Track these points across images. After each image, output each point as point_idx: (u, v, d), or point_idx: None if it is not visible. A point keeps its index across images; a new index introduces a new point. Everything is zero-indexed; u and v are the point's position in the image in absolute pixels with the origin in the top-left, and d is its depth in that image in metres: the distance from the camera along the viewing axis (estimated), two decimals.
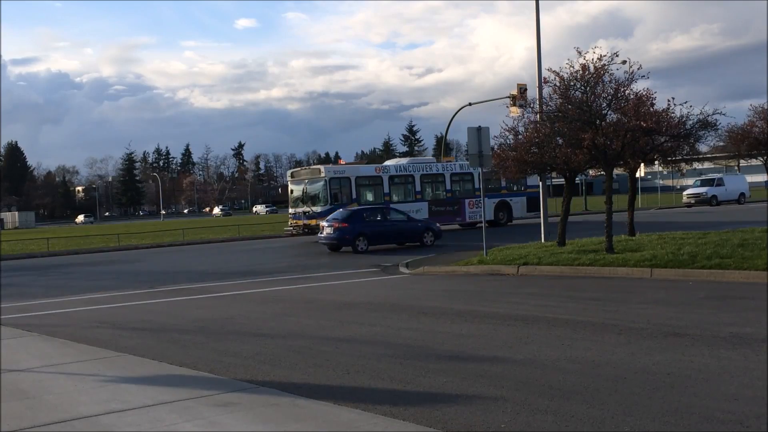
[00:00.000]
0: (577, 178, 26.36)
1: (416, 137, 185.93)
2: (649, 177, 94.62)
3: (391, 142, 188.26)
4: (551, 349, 9.81)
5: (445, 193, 41.65)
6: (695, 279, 15.84)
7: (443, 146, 64.06)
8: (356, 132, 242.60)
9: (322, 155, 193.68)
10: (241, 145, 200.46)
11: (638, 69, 19.62)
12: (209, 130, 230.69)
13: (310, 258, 28.41)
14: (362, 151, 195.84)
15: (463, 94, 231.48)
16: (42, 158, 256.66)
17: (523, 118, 23.88)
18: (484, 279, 18.79)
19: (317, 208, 36.52)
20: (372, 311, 14.23)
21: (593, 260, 18.78)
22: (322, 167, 37.74)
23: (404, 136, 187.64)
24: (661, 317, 11.83)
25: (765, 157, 25.41)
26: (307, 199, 38.06)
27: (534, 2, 26.60)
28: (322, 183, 37.26)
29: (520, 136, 22.83)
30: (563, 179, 23.92)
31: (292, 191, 38.83)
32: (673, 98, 20.24)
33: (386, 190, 39.39)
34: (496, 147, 23.44)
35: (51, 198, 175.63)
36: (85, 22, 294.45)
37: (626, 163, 23.06)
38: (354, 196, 38.00)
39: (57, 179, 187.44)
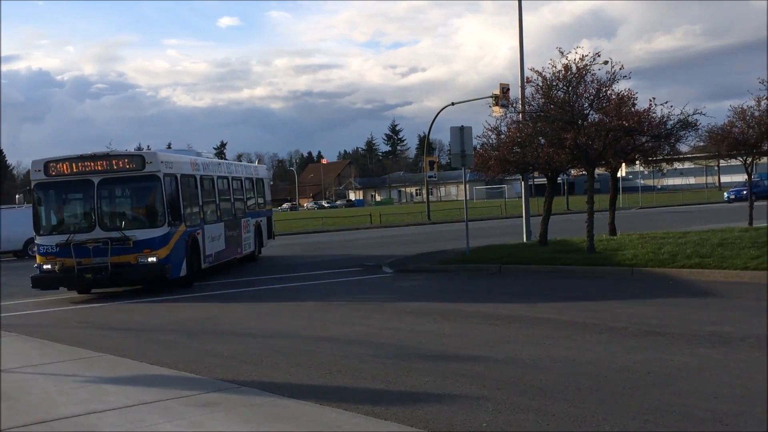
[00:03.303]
0: (559, 178, 26.47)
1: (399, 137, 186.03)
2: (630, 177, 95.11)
3: (374, 142, 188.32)
4: (532, 348, 9.84)
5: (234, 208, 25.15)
6: (675, 278, 15.93)
7: (426, 146, 64.10)
8: (339, 131, 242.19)
9: (305, 155, 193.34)
10: (223, 145, 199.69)
11: (620, 69, 19.73)
12: (191, 129, 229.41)
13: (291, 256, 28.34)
14: (345, 151, 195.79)
15: (446, 93, 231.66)
16: (23, 157, 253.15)
17: (506, 117, 24.00)
18: (466, 278, 18.82)
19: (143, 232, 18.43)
20: (354, 311, 14.21)
21: (575, 259, 18.87)
22: (144, 153, 19.74)
23: (387, 135, 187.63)
24: (641, 316, 11.89)
25: (744, 158, 25.59)
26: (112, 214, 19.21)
27: (517, 2, 26.67)
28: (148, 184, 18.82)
29: (502, 136, 22.91)
30: (545, 179, 24.02)
31: (40, 199, 19.01)
32: (654, 98, 20.38)
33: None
34: (478, 147, 23.50)
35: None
36: (67, 20, 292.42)
37: (608, 162, 23.20)
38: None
39: None
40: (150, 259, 18.03)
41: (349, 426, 6.85)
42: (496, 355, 9.55)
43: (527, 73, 21.75)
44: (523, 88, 24.69)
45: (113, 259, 17.86)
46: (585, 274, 17.57)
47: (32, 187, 18.86)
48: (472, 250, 22.28)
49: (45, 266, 18.22)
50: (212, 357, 10.39)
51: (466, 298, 15.69)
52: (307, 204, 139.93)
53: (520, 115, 22.68)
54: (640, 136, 21.13)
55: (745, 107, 23.73)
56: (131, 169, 18.48)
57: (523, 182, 27.37)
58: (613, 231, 24.48)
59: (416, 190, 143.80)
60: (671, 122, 20.93)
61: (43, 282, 18.47)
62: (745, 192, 59.12)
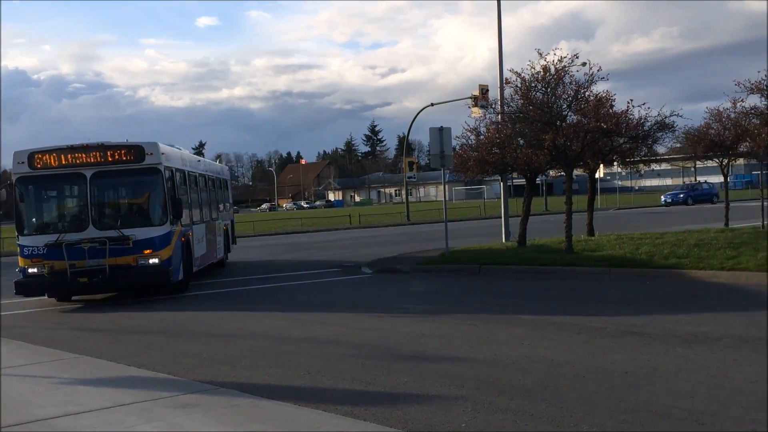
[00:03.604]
0: (537, 179, 26.59)
1: (378, 137, 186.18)
2: (608, 178, 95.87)
3: (353, 142, 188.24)
4: (511, 348, 9.87)
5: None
6: (653, 278, 16.05)
7: (405, 146, 64.16)
8: (319, 132, 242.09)
9: (284, 155, 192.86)
10: (202, 145, 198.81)
11: (598, 71, 19.87)
12: (170, 129, 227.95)
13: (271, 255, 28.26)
14: (324, 151, 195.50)
15: (426, 94, 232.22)
16: None
17: (485, 118, 24.09)
18: (446, 278, 18.85)
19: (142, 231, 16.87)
20: (334, 312, 14.19)
21: (553, 260, 18.95)
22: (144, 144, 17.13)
23: (366, 136, 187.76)
24: (619, 316, 11.97)
25: (720, 159, 25.83)
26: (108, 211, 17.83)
27: (496, 3, 26.76)
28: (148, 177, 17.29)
29: (481, 137, 22.99)
30: (524, 180, 24.12)
31: (24, 195, 17.24)
32: (632, 100, 20.54)
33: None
34: (457, 147, 23.55)
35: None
36: (43, 19, 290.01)
37: (586, 163, 23.36)
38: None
39: None
40: (151, 261, 16.48)
41: (328, 427, 6.84)
42: (475, 355, 9.57)
43: (506, 74, 21.88)
44: (501, 89, 24.81)
45: (111, 260, 16.23)
46: (563, 274, 17.65)
47: (14, 181, 16.96)
48: (451, 251, 22.32)
49: (30, 270, 16.46)
50: (191, 358, 10.34)
51: (446, 298, 15.72)
52: (286, 204, 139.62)
53: (499, 116, 22.78)
54: (618, 137, 21.29)
55: (721, 109, 23.98)
56: (129, 161, 16.80)
57: (502, 183, 27.46)
58: (591, 232, 24.63)
59: (395, 190, 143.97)
60: (648, 124, 21.14)
61: (28, 287, 16.73)
62: (682, 195, 59.13)
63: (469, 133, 23.33)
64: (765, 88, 16.11)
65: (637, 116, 20.81)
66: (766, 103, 16.75)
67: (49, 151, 16.80)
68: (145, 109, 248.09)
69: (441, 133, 21.82)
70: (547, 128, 19.40)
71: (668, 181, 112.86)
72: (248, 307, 15.61)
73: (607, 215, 47.09)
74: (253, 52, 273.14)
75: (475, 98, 35.25)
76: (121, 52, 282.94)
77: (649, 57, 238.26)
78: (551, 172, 27.03)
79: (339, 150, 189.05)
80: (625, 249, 19.32)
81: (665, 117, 21.09)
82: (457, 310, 13.54)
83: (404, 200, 63.51)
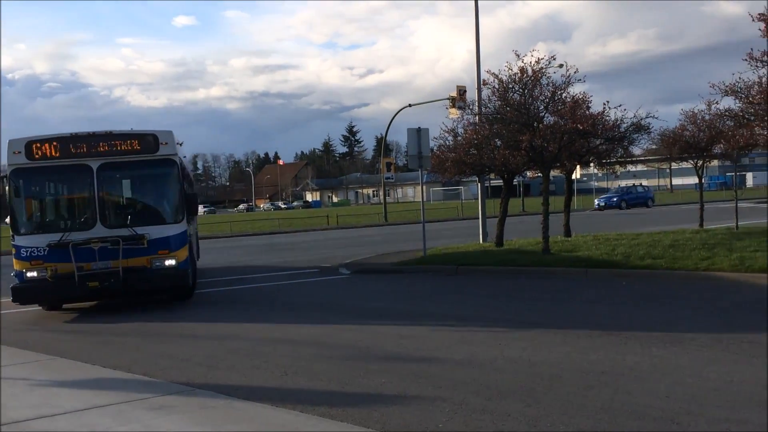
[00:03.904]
0: (514, 180, 26.68)
1: (356, 138, 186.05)
2: (585, 179, 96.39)
3: (331, 143, 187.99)
4: (488, 349, 9.89)
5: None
6: (629, 279, 16.16)
7: (383, 147, 64.20)
8: (296, 132, 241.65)
9: (262, 155, 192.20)
10: (179, 144, 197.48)
11: (575, 72, 19.97)
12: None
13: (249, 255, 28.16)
14: (302, 152, 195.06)
15: (403, 95, 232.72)
16: None
17: (463, 119, 24.13)
18: (423, 279, 18.87)
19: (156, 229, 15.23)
20: (311, 313, 14.16)
21: (530, 260, 19.04)
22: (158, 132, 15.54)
23: (344, 136, 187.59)
24: (595, 316, 12.04)
25: (695, 161, 26.06)
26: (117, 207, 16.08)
27: (474, 5, 26.83)
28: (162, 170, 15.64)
29: (459, 138, 23.04)
30: (501, 180, 24.21)
31: (20, 189, 15.28)
32: (608, 102, 20.71)
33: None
34: (435, 148, 23.59)
35: None
36: (18, 18, 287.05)
37: (563, 164, 23.49)
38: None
39: None
40: (167, 263, 14.93)
41: (305, 428, 6.82)
42: (452, 356, 9.58)
43: (484, 75, 21.90)
44: (479, 90, 24.88)
45: (123, 262, 14.61)
46: (540, 275, 17.73)
47: (8, 173, 14.90)
48: (429, 252, 22.35)
49: (29, 274, 14.57)
50: (167, 359, 10.27)
51: (422, 298, 15.73)
52: (263, 205, 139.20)
53: (477, 117, 22.82)
54: (595, 138, 21.44)
55: (696, 111, 24.21)
56: (141, 152, 15.11)
57: (479, 184, 27.53)
58: (568, 232, 24.76)
59: (373, 191, 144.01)
60: (624, 125, 21.34)
61: (27, 294, 14.84)
62: (615, 199, 57.83)
63: (446, 134, 23.41)
64: (739, 90, 16.26)
65: (613, 118, 20.99)
66: (740, 105, 16.92)
67: (49, 140, 14.98)
68: (122, 109, 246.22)
69: (419, 134, 21.84)
70: (524, 129, 19.48)
71: (644, 182, 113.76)
72: (226, 309, 15.53)
73: (584, 216, 47.36)
74: (230, 52, 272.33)
75: (452, 99, 35.39)
76: (96, 52, 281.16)
77: (625, 59, 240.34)
78: (528, 173, 27.12)
79: (317, 151, 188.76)
80: (601, 250, 19.44)
81: (641, 119, 21.33)
82: (434, 311, 13.56)
83: (382, 201, 63.52)
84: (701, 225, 25.92)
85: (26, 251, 14.68)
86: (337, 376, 8.76)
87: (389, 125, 58.79)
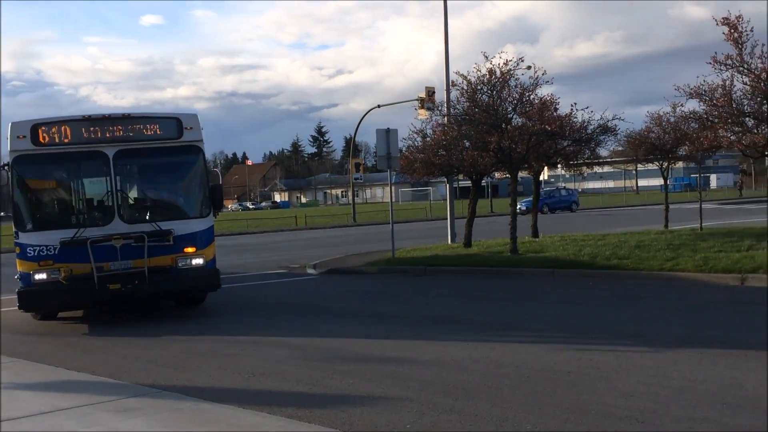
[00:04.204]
0: (483, 181, 26.81)
1: (325, 138, 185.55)
2: (552, 180, 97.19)
3: (299, 143, 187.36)
4: (456, 349, 9.92)
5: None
6: (595, 279, 16.30)
7: (352, 148, 64.18)
8: (265, 132, 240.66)
9: (230, 156, 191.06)
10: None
11: (543, 74, 20.10)
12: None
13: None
14: (270, 152, 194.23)
15: (373, 96, 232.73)
16: None
17: (431, 120, 24.18)
18: (392, 279, 18.88)
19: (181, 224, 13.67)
20: (279, 313, 14.11)
21: (498, 261, 19.13)
22: (182, 116, 14.06)
23: (313, 137, 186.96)
24: (562, 317, 12.14)
25: (660, 162, 26.36)
26: (138, 200, 14.58)
27: (443, 6, 26.91)
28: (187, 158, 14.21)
29: (428, 139, 23.10)
30: (470, 181, 24.30)
31: (24, 179, 13.37)
32: (576, 104, 20.89)
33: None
34: (404, 149, 23.61)
35: None
36: None
37: (530, 166, 23.64)
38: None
39: None
40: (194, 262, 13.46)
41: (273, 429, 6.79)
42: (419, 356, 9.60)
43: (452, 76, 21.97)
44: (448, 91, 24.95)
45: (150, 261, 13.02)
46: (508, 275, 17.82)
47: (11, 161, 12.96)
48: (397, 252, 22.36)
49: (38, 276, 12.67)
50: (132, 361, 10.17)
51: (391, 299, 15.74)
52: (231, 205, 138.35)
53: (446, 118, 22.89)
54: (562, 140, 21.63)
55: (661, 113, 24.48)
56: (162, 138, 13.59)
57: (447, 185, 27.62)
58: (535, 233, 24.92)
59: (342, 192, 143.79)
60: (591, 127, 21.56)
61: (37, 299, 12.96)
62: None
63: (415, 135, 23.45)
64: (703, 93, 16.47)
65: (580, 119, 21.22)
66: (704, 108, 17.14)
67: (58, 123, 13.15)
68: (88, 108, 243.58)
69: (387, 135, 21.84)
70: (492, 130, 19.57)
71: (610, 184, 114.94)
72: (191, 310, 15.41)
73: (552, 217, 47.69)
74: (198, 52, 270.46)
75: (421, 100, 35.45)
76: (62, 50, 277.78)
77: (592, 61, 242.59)
78: (496, 174, 27.30)
79: (285, 151, 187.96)
80: (568, 250, 19.59)
81: (608, 120, 21.57)
82: (403, 312, 13.57)
83: (351, 201, 63.46)
84: (666, 226, 26.22)
85: (34, 250, 12.76)
86: (304, 377, 8.73)
87: (358, 126, 58.83)
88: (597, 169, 37.17)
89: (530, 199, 59.06)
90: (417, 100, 35.97)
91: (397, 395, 7.74)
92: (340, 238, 37.05)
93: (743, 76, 15.91)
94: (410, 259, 21.05)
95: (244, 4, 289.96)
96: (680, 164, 41.24)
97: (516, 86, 20.21)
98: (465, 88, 20.53)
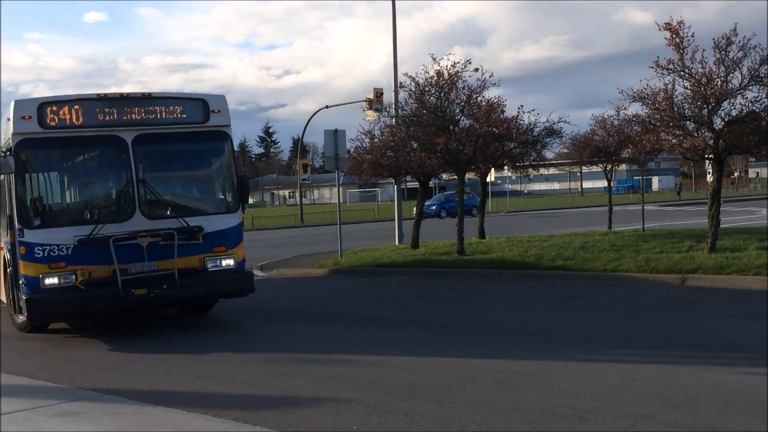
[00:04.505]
0: (430, 182, 26.92)
1: (273, 139, 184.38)
2: (499, 182, 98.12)
3: (247, 144, 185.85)
4: (403, 349, 9.94)
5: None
6: (541, 279, 16.49)
7: (299, 148, 63.90)
8: None
9: None
10: None
11: (490, 77, 20.26)
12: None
13: None
14: None
15: (321, 96, 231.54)
16: None
17: (380, 122, 24.21)
18: (339, 281, 18.85)
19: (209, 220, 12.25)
20: (224, 316, 13.97)
21: (445, 262, 19.23)
22: (207, 97, 12.68)
23: (260, 137, 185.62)
24: (509, 317, 12.25)
25: (605, 165, 26.77)
26: (161, 192, 12.31)
27: (391, 7, 26.96)
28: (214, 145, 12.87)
29: (376, 140, 23.10)
30: (417, 183, 24.38)
31: (29, 166, 11.56)
32: (522, 106, 21.12)
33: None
34: (352, 150, 23.59)
35: None
36: None
37: (478, 167, 23.82)
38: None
39: None
40: (225, 263, 12.07)
41: (218, 431, 6.73)
42: (367, 357, 9.59)
43: (401, 78, 22.03)
44: (396, 92, 24.98)
45: (181, 262, 11.55)
46: (455, 276, 17.92)
47: (13, 145, 11.17)
48: (345, 253, 22.33)
49: (48, 280, 11.02)
50: (73, 364, 9.98)
51: (337, 301, 15.71)
52: None
53: (394, 120, 22.94)
54: (509, 142, 21.83)
55: (605, 116, 24.85)
56: (186, 122, 12.18)
57: (395, 186, 27.67)
58: (482, 234, 25.10)
59: (289, 192, 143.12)
60: (538, 129, 21.82)
61: (50, 308, 11.16)
62: (435, 207, 53.85)
63: (363, 136, 23.44)
64: (646, 97, 16.78)
65: (526, 122, 21.44)
66: (646, 111, 17.45)
67: (69, 102, 11.54)
68: None
69: (335, 136, 21.79)
70: (440, 132, 19.68)
71: (556, 186, 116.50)
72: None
73: (498, 218, 48.12)
74: (143, 50, 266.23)
75: (370, 101, 35.40)
76: (2, 47, 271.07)
77: (539, 64, 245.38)
78: (444, 176, 27.38)
79: None
80: (514, 251, 19.78)
81: (553, 123, 21.86)
82: (350, 312, 13.55)
83: (298, 202, 63.19)
84: (610, 227, 26.65)
85: (43, 250, 11.05)
86: (250, 379, 8.66)
87: (306, 126, 58.46)
88: (543, 171, 37.60)
89: (429, 203, 58.06)
90: (365, 101, 35.93)
91: (344, 396, 7.72)
92: (288, 240, 36.87)
93: (684, 81, 16.22)
94: (358, 261, 21.03)
95: (190, 2, 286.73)
96: (623, 166, 42.02)
97: (464, 88, 20.36)
98: (413, 89, 20.61)
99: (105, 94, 11.97)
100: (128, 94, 12.09)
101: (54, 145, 11.71)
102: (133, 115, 11.82)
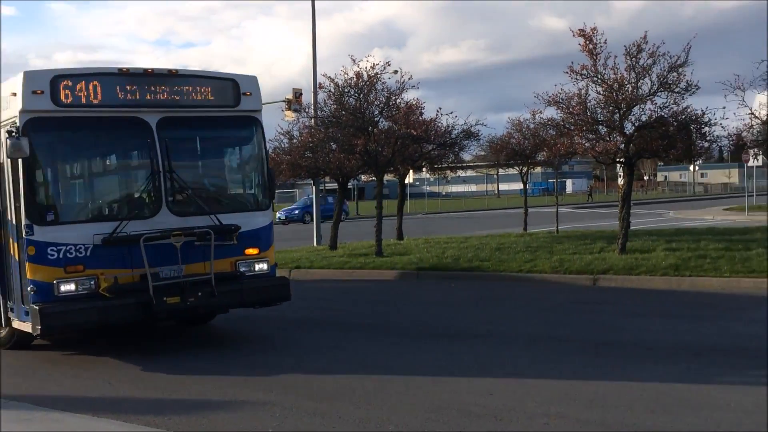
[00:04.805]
0: (349, 183, 26.91)
1: None
2: (417, 183, 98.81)
3: None
4: (319, 351, 9.90)
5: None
6: (458, 280, 16.64)
7: None
8: None
9: None
10: None
11: (409, 79, 20.38)
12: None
13: None
14: None
15: None
16: None
17: (298, 122, 24.09)
18: None
19: (240, 218, 10.66)
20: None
21: (363, 263, 19.23)
22: (237, 77, 11.00)
23: None
24: (426, 317, 12.33)
25: (520, 167, 27.23)
26: (189, 185, 10.55)
27: (311, 8, 26.85)
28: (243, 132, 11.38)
29: (294, 141, 22.96)
30: (336, 184, 24.34)
31: (38, 151, 9.51)
32: (441, 108, 21.32)
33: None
34: (270, 150, 23.39)
35: None
36: None
37: (396, 169, 23.91)
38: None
39: None
40: (258, 267, 10.66)
41: None
42: (283, 360, 9.51)
43: (320, 78, 21.96)
44: (315, 93, 24.94)
45: (208, 266, 9.95)
46: (373, 277, 17.94)
47: (21, 125, 9.26)
48: None
49: (64, 287, 9.29)
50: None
51: None
52: None
53: (313, 120, 22.85)
54: (427, 144, 21.99)
55: (521, 120, 25.30)
56: (215, 104, 10.62)
57: (314, 187, 27.55)
58: (400, 235, 25.21)
59: None
60: (456, 132, 22.06)
61: (66, 319, 9.31)
62: (297, 212, 50.96)
63: (282, 137, 23.26)
64: (561, 101, 17.15)
65: (445, 124, 21.67)
66: (561, 115, 17.84)
67: (86, 76, 9.74)
68: None
69: None
70: (359, 133, 19.68)
71: (473, 188, 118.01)
72: None
73: (416, 220, 48.45)
74: (55, 46, 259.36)
75: (288, 102, 35.11)
76: None
77: (457, 67, 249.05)
78: (363, 177, 27.44)
79: None
80: (432, 253, 19.93)
81: (471, 126, 22.16)
82: (264, 315, 13.39)
83: None
84: (525, 229, 27.11)
85: (57, 251, 9.33)
86: (162, 384, 8.48)
87: None
88: (460, 173, 37.97)
89: (292, 207, 56.19)
90: (284, 101, 35.64)
91: (259, 399, 7.63)
92: None
93: (597, 86, 16.65)
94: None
95: None
96: (539, 169, 42.85)
97: (383, 90, 20.42)
98: (332, 90, 20.56)
99: (127, 69, 10.15)
100: (153, 70, 10.34)
101: (69, 127, 9.94)
102: (158, 95, 10.17)
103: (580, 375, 8.11)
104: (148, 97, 10.07)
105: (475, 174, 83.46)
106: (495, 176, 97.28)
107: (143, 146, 10.14)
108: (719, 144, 18.78)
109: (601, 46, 16.30)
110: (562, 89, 17.06)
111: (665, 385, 7.56)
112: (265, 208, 11.03)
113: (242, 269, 10.42)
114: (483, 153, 28.17)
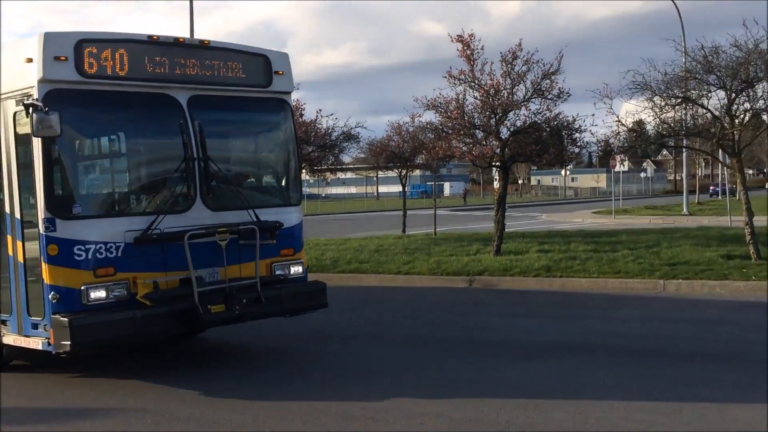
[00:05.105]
0: None
1: None
2: None
3: None
4: (195, 355, 9.73)
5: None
6: (337, 282, 16.64)
7: None
8: None
9: None
10: None
11: None
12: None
13: None
14: None
15: None
16: None
17: None
18: None
19: (275, 213, 9.34)
20: None
21: None
22: (268, 52, 9.61)
23: None
24: (301, 320, 12.23)
25: (400, 170, 27.52)
26: (226, 175, 9.19)
27: (189, 6, 26.29)
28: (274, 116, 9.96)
29: None
30: None
31: (62, 130, 7.45)
32: (321, 110, 21.32)
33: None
34: None
35: None
36: None
37: None
38: None
39: None
40: (294, 270, 9.45)
41: None
42: (153, 365, 9.26)
43: None
44: None
45: (244, 268, 8.73)
46: None
47: (40, 98, 7.53)
48: None
49: (96, 294, 7.74)
50: None
51: None
52: None
53: None
54: (307, 145, 21.91)
55: (401, 123, 25.55)
56: (246, 83, 9.22)
57: None
58: None
59: None
60: (336, 134, 22.08)
61: (98, 333, 7.63)
62: None
63: None
64: (439, 105, 17.44)
65: (325, 126, 21.67)
66: (439, 119, 18.15)
67: (113, 43, 8.18)
68: None
69: None
70: None
71: (353, 190, 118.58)
72: None
73: None
74: None
75: None
76: None
77: (337, 70, 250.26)
78: None
79: None
80: (311, 254, 19.84)
81: (351, 128, 22.24)
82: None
83: None
84: (404, 231, 27.41)
85: (85, 250, 7.78)
86: (30, 392, 8.09)
87: None
88: (340, 175, 38.12)
89: None
90: None
91: (131, 406, 7.39)
92: None
93: (474, 91, 17.03)
94: None
95: None
96: (417, 172, 43.44)
97: None
98: None
99: (157, 37, 8.61)
100: (184, 40, 8.97)
101: (95, 103, 8.33)
102: (188, 69, 8.72)
103: (457, 374, 8.25)
104: (177, 72, 8.64)
105: (354, 176, 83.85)
106: (375, 179, 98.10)
107: (174, 129, 8.52)
108: (588, 149, 19.59)
109: (478, 52, 16.69)
110: (440, 94, 17.36)
111: (537, 383, 7.79)
112: (297, 203, 9.80)
113: (278, 272, 9.20)
114: (363, 155, 28.32)
